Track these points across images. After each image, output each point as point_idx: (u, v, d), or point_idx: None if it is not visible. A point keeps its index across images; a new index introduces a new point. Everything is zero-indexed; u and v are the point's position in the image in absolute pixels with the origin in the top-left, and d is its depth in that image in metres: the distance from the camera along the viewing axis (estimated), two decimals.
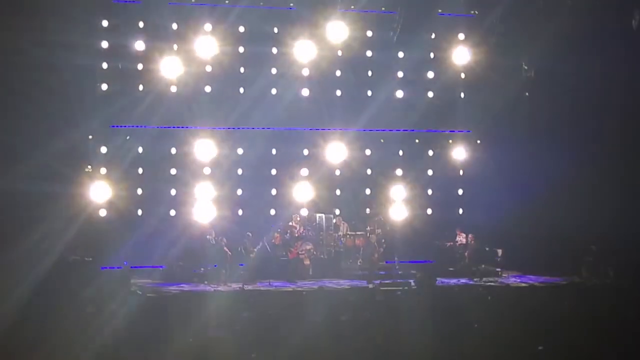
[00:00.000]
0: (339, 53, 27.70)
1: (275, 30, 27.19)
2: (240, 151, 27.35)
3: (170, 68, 25.90)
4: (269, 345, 17.59)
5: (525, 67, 27.74)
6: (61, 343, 17.17)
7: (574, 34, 25.33)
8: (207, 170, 26.78)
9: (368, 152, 28.30)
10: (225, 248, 24.67)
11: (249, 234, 25.37)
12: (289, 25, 26.86)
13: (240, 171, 27.31)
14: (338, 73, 28.03)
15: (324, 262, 26.09)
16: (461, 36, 28.18)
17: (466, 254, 26.22)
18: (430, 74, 28.53)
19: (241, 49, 27.16)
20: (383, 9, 27.69)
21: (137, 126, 26.18)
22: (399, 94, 28.30)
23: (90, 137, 25.63)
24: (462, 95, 28.72)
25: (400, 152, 28.64)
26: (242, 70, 27.34)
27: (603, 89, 25.42)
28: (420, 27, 27.78)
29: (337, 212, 27.49)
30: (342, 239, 26.66)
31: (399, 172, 28.44)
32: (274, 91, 27.35)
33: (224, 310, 20.37)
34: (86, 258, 22.94)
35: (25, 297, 19.20)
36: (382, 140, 28.48)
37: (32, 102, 22.90)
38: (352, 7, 27.27)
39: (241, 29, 27.00)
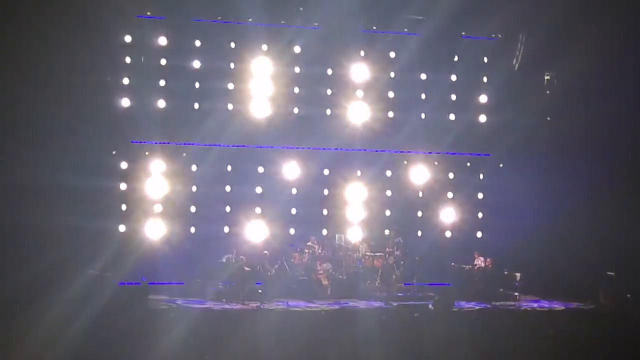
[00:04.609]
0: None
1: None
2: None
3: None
4: None
5: (548, 77, 27.86)
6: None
7: (599, 56, 25.37)
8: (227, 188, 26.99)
9: (389, 173, 28.41)
10: (245, 267, 24.67)
11: (265, 253, 25.44)
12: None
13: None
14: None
15: (342, 283, 26.08)
16: (485, 59, 28.32)
17: (484, 277, 26.13)
18: (453, 97, 28.61)
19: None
20: (405, 30, 27.83)
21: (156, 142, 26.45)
22: (422, 115, 28.42)
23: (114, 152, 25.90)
24: (484, 118, 28.70)
25: None
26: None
27: (625, 114, 25.41)
28: (444, 49, 28.06)
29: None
30: (361, 259, 26.68)
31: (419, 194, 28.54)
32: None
33: (242, 329, 20.50)
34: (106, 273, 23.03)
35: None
36: (405, 162, 28.54)
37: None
38: (374, 27, 27.53)
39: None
